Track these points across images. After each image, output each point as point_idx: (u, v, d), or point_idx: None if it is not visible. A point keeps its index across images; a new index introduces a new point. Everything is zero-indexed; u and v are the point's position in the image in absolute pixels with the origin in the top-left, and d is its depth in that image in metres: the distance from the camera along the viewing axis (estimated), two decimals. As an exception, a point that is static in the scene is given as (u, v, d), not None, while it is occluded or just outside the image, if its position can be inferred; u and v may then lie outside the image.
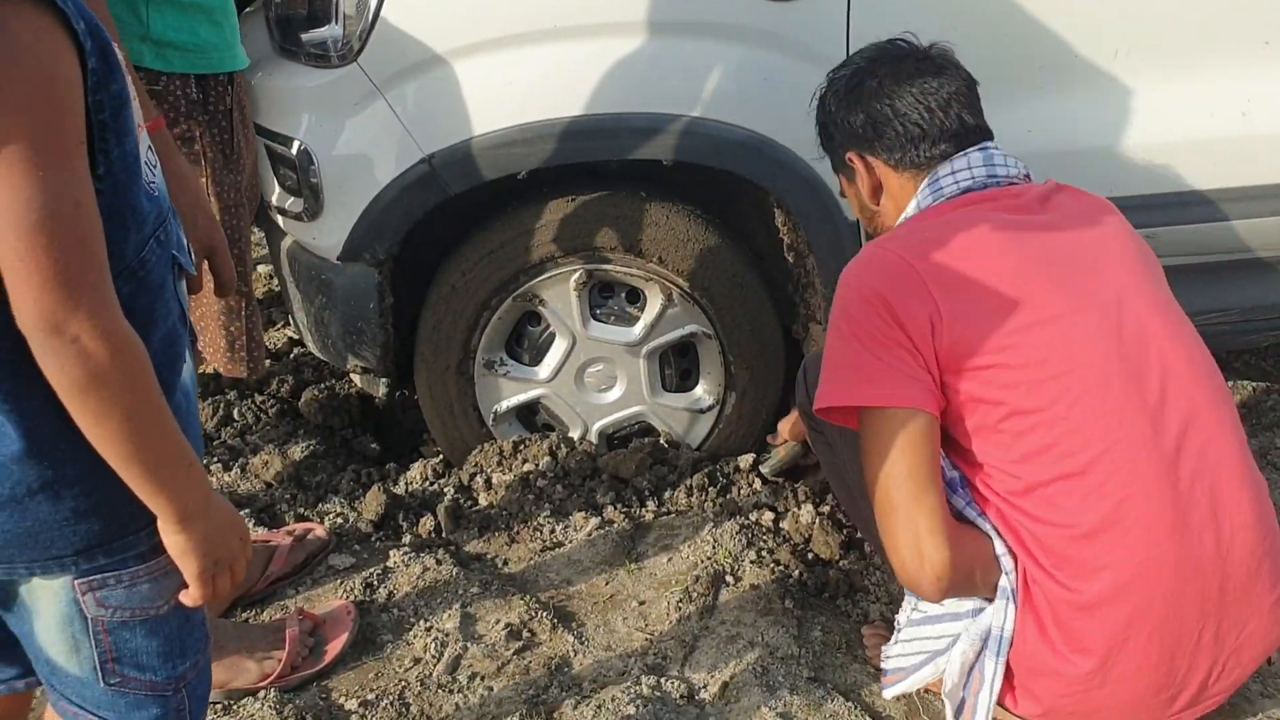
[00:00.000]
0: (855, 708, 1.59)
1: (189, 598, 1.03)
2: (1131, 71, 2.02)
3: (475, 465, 2.14)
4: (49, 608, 1.03)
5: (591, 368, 2.17)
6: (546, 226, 2.04)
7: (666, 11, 1.91)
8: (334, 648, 1.70)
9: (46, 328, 0.85)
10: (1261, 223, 2.13)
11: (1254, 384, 2.53)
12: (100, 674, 1.06)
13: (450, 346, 2.12)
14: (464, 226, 2.09)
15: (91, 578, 1.01)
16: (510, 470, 2.11)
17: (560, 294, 2.10)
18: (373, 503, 2.04)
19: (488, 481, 2.10)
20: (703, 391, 2.22)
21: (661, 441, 2.23)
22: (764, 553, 1.91)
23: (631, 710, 1.57)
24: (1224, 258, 2.18)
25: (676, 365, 2.23)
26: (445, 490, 2.10)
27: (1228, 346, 2.35)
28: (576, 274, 2.07)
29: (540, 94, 1.92)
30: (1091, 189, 1.65)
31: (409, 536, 1.99)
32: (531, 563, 1.92)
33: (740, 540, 1.92)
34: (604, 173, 2.08)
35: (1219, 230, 2.12)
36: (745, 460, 2.19)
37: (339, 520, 2.02)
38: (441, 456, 2.21)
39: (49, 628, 1.04)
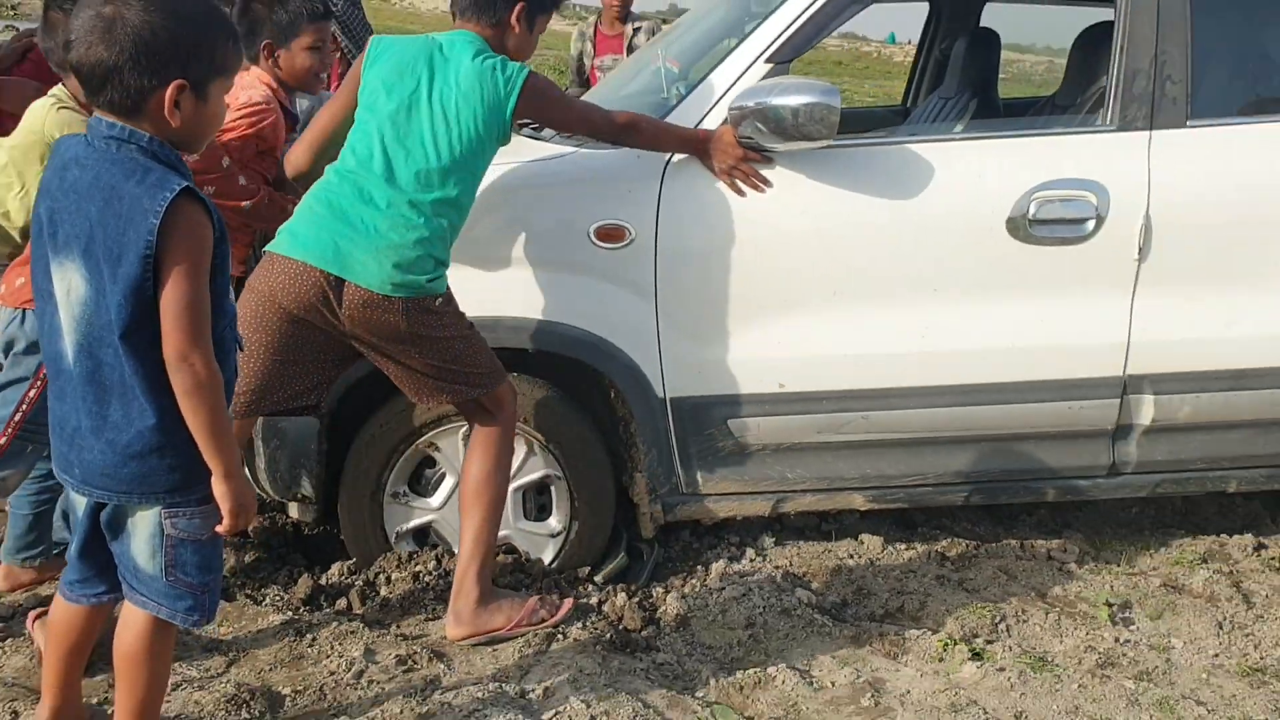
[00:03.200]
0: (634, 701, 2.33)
1: (223, 528, 1.81)
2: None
3: (379, 567, 2.88)
4: (144, 528, 1.82)
5: (471, 500, 2.96)
6: (442, 392, 2.88)
7: (541, 252, 2.83)
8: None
9: (178, 357, 1.69)
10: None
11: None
12: (164, 573, 1.84)
13: (367, 480, 2.90)
14: (383, 391, 2.92)
15: (173, 508, 1.81)
16: (405, 570, 2.85)
17: (451, 443, 2.91)
18: (302, 588, 2.77)
19: (388, 578, 2.84)
20: (554, 520, 3.01)
21: (522, 558, 2.99)
22: (588, 622, 2.67)
23: (476, 706, 2.29)
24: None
25: (534, 501, 3.03)
26: (355, 582, 2.83)
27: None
28: (463, 429, 2.90)
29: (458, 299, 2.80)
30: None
31: (327, 611, 2.71)
32: (418, 625, 2.65)
33: (575, 614, 2.68)
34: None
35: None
36: (584, 570, 2.96)
37: (277, 599, 2.74)
38: (353, 560, 2.95)
39: (141, 541, 1.83)
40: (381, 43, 2.63)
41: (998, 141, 3.11)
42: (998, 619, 2.80)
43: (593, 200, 2.85)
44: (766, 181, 2.81)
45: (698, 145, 2.80)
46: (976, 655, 2.62)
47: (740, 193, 2.81)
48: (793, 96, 2.69)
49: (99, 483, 1.81)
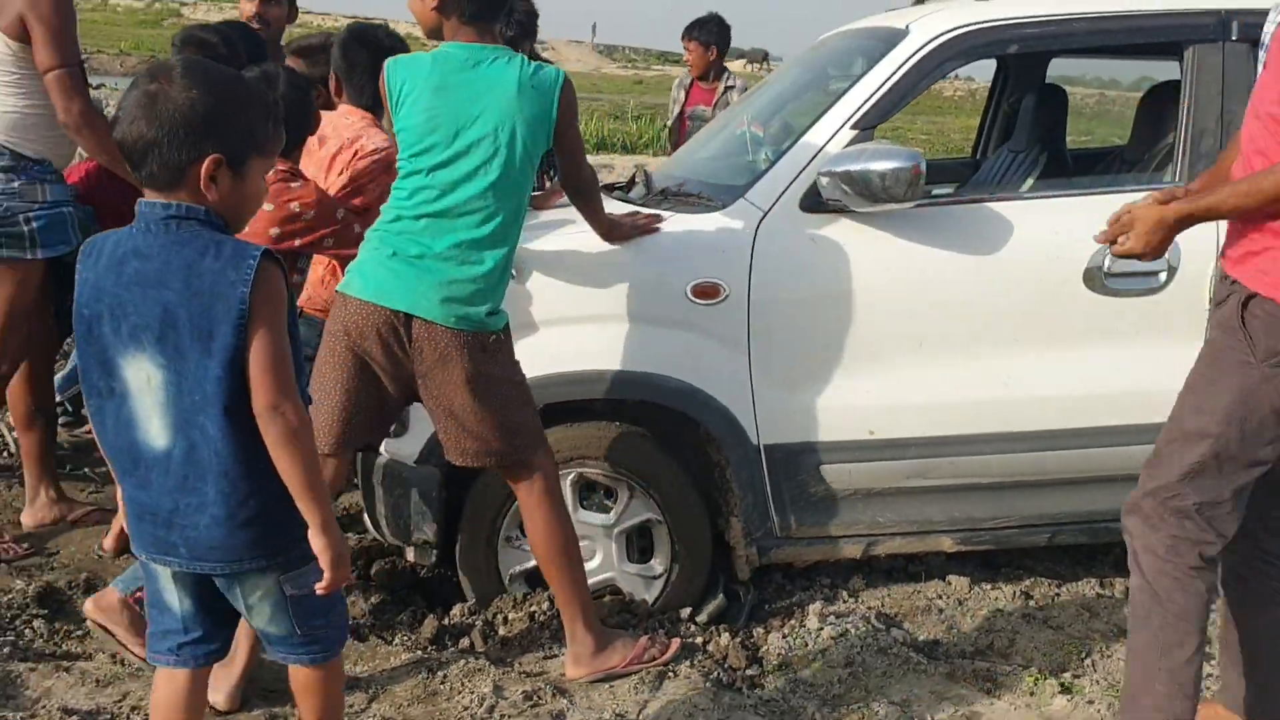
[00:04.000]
0: (749, 736, 2.49)
1: (325, 584, 1.85)
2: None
3: (497, 608, 3.07)
4: (265, 596, 1.92)
5: (580, 543, 3.15)
6: (555, 443, 3.07)
7: (638, 308, 3.03)
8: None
9: (270, 408, 1.76)
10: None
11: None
12: (295, 630, 1.96)
13: (482, 525, 3.09)
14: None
15: (288, 572, 1.90)
16: (521, 610, 3.04)
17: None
18: (428, 628, 2.97)
19: (505, 618, 3.03)
20: (657, 563, 3.19)
21: (626, 598, 3.16)
22: (695, 660, 2.83)
23: (605, 737, 2.46)
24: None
25: (637, 544, 3.21)
26: (476, 623, 3.02)
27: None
28: (571, 475, 3.09)
29: (560, 355, 3.01)
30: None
31: (452, 650, 2.90)
32: (538, 663, 2.84)
33: (683, 652, 2.85)
34: (590, 409, 3.14)
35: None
36: (685, 611, 3.13)
37: (406, 639, 2.94)
38: (472, 601, 3.14)
39: (265, 608, 1.93)
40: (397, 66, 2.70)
41: (1072, 199, 3.26)
42: (1083, 654, 2.93)
43: (689, 259, 3.05)
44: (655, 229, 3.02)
45: (606, 231, 2.97)
46: (1065, 689, 2.75)
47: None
48: (880, 162, 2.88)
49: (211, 557, 1.86)
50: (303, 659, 2.01)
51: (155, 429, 1.81)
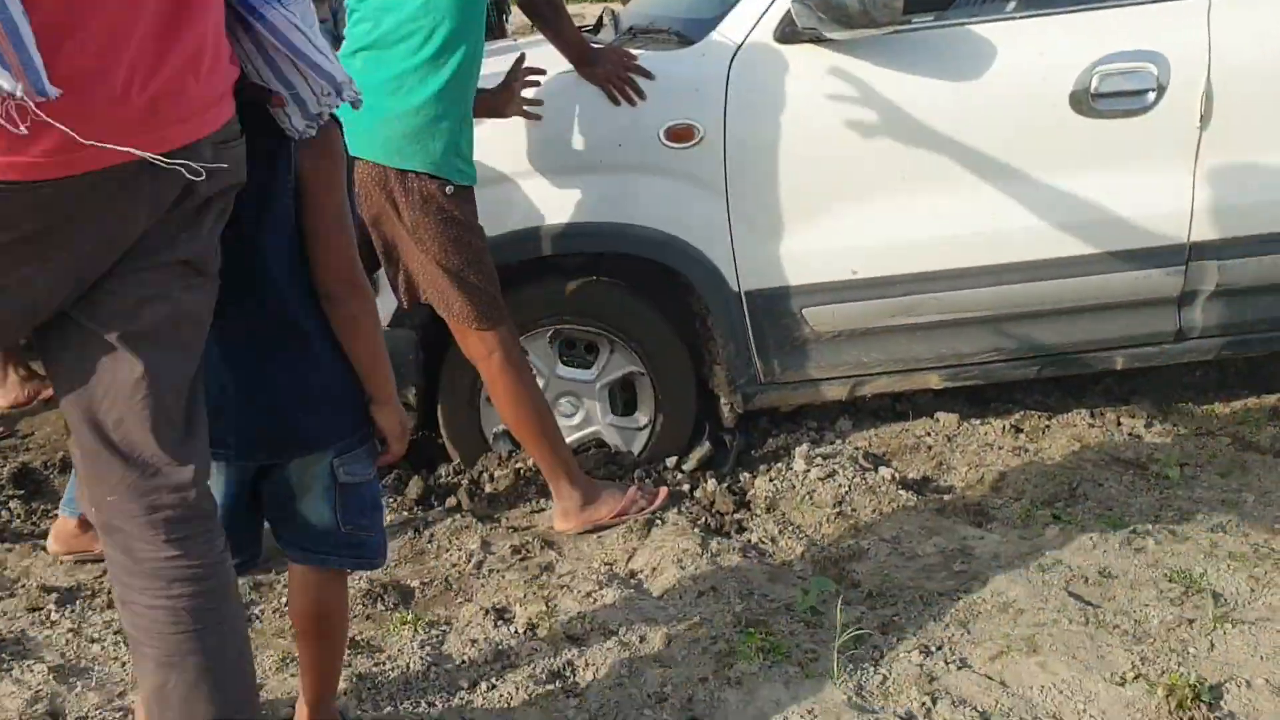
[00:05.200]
0: (737, 577, 2.48)
1: (390, 456, 1.79)
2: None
3: (482, 466, 3.03)
4: (316, 483, 1.74)
5: (561, 400, 3.10)
6: (531, 301, 2.99)
7: (609, 155, 2.92)
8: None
9: (345, 282, 1.69)
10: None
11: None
12: (339, 523, 1.77)
13: (461, 387, 3.04)
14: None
15: (344, 454, 1.74)
16: (506, 467, 3.01)
17: (539, 347, 3.04)
18: (414, 489, 2.94)
19: (491, 476, 3.00)
20: (641, 414, 3.14)
21: (612, 451, 3.13)
22: (683, 508, 2.81)
23: (593, 587, 2.45)
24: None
25: (621, 397, 3.16)
26: (462, 482, 2.99)
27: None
28: (549, 333, 3.02)
29: (530, 208, 2.90)
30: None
31: (439, 509, 2.88)
32: (525, 518, 2.82)
33: (670, 501, 2.83)
34: (563, 264, 3.05)
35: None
36: (671, 460, 3.10)
37: (391, 501, 2.91)
38: (457, 461, 3.10)
39: (314, 497, 1.75)
40: None
41: (1058, 17, 3.11)
42: (1075, 484, 2.91)
43: (660, 100, 2.92)
44: (641, 94, 2.86)
45: (582, 53, 2.83)
46: (1057, 518, 2.74)
47: (615, 101, 2.86)
48: (856, -16, 2.73)
49: (265, 447, 1.74)
50: (345, 561, 1.85)
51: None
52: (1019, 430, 3.23)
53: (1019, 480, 2.95)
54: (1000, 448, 3.12)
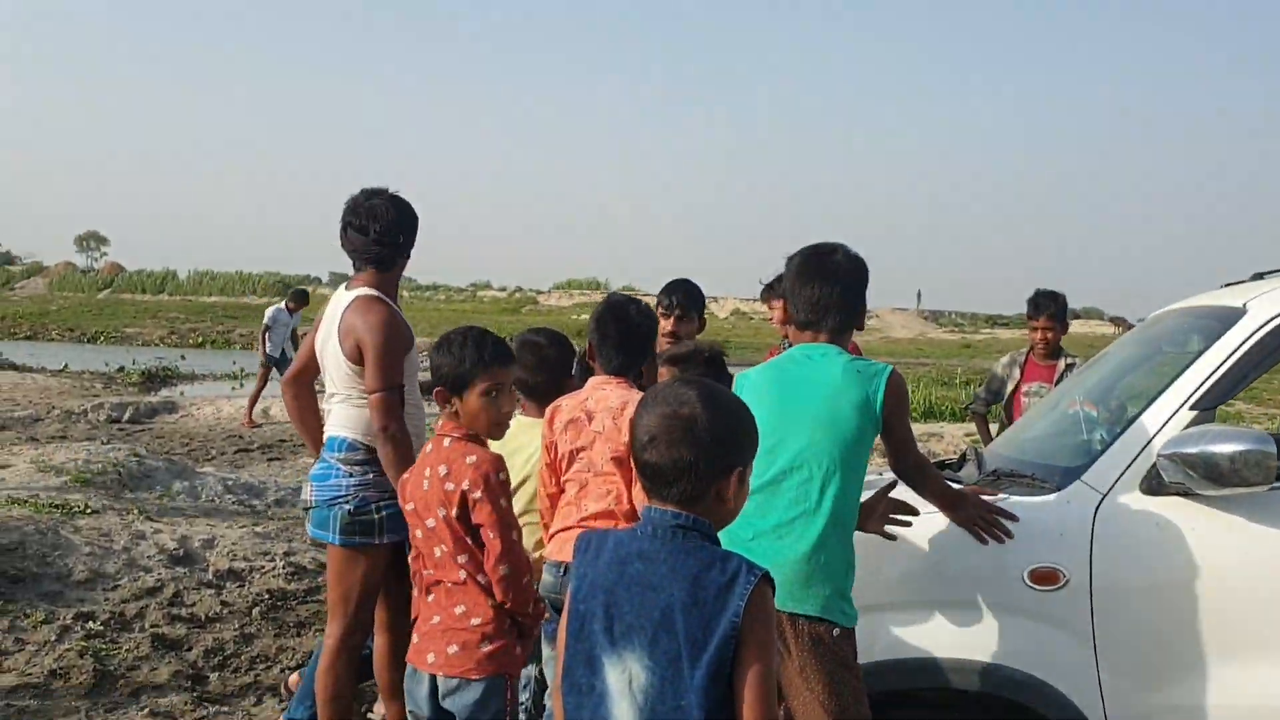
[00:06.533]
0: None
1: None
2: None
3: None
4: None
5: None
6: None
7: (974, 593, 3.00)
8: None
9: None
10: None
11: None
12: None
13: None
14: None
15: None
16: None
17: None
18: None
19: None
20: None
21: None
22: None
23: None
24: None
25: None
26: None
27: None
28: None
29: (895, 640, 3.02)
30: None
31: None
32: None
33: None
34: (920, 698, 3.07)
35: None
36: None
37: None
38: None
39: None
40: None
41: None
42: None
43: (1025, 543, 3.00)
44: (1009, 534, 2.94)
45: (950, 501, 2.99)
46: None
47: (984, 541, 2.95)
48: (1225, 445, 2.78)
49: None
50: None
51: None
52: None
53: None
54: None
